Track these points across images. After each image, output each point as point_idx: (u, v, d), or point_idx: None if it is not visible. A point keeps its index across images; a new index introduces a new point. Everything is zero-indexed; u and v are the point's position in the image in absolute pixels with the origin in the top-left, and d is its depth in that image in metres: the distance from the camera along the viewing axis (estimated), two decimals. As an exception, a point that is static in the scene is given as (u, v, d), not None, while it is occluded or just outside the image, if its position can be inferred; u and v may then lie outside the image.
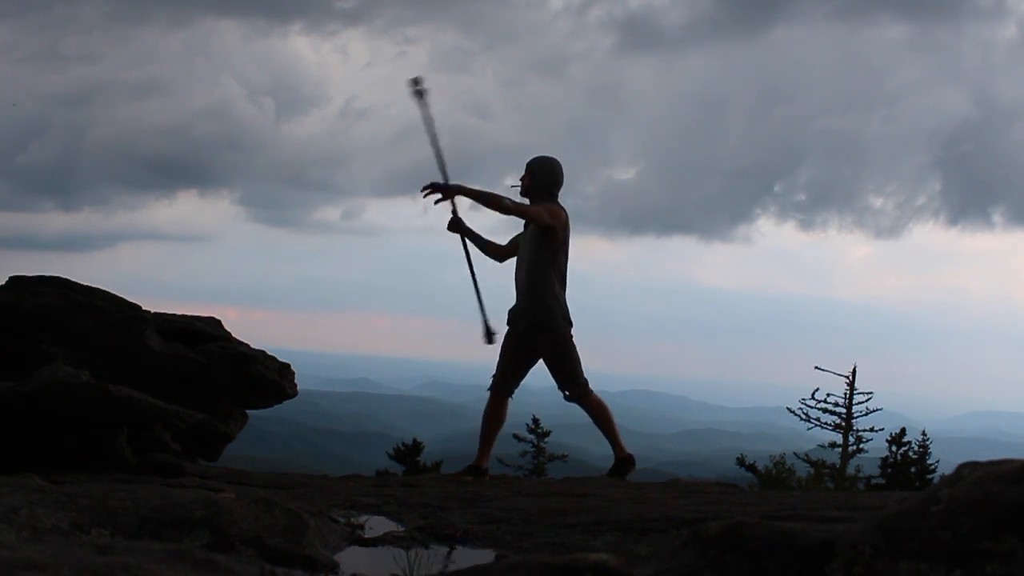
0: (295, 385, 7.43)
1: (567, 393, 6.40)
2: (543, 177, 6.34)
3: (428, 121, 6.32)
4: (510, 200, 6.15)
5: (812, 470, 15.75)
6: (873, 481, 15.65)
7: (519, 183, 6.39)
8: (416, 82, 6.32)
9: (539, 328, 6.26)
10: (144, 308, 7.05)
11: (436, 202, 6.29)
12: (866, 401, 16.25)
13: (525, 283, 6.28)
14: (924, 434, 16.28)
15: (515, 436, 19.21)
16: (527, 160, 6.43)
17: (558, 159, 6.43)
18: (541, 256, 6.23)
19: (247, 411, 7.33)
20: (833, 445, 16.20)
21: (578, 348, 6.42)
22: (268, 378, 7.13)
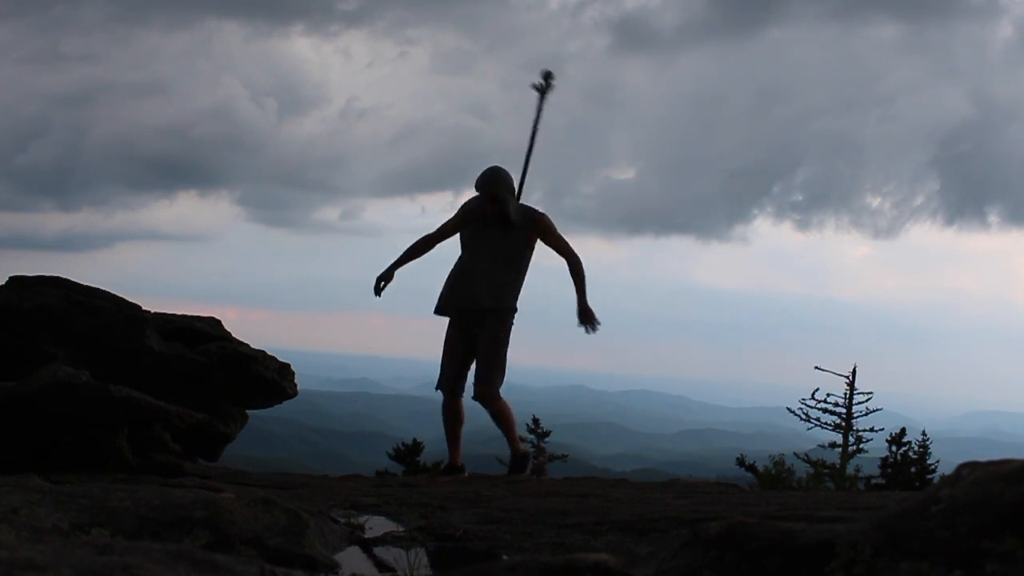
0: (295, 385, 7.44)
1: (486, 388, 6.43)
2: (511, 190, 6.46)
3: (537, 120, 6.53)
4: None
5: (812, 470, 15.74)
6: (873, 481, 15.63)
7: (506, 212, 6.39)
8: (548, 77, 6.53)
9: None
10: (144, 308, 7.05)
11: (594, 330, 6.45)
12: (866, 401, 16.23)
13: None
14: (924, 434, 16.27)
15: (515, 436, 19.19)
16: (499, 176, 6.40)
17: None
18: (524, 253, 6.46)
19: (247, 411, 7.34)
20: (833, 445, 16.18)
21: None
22: (268, 378, 7.13)
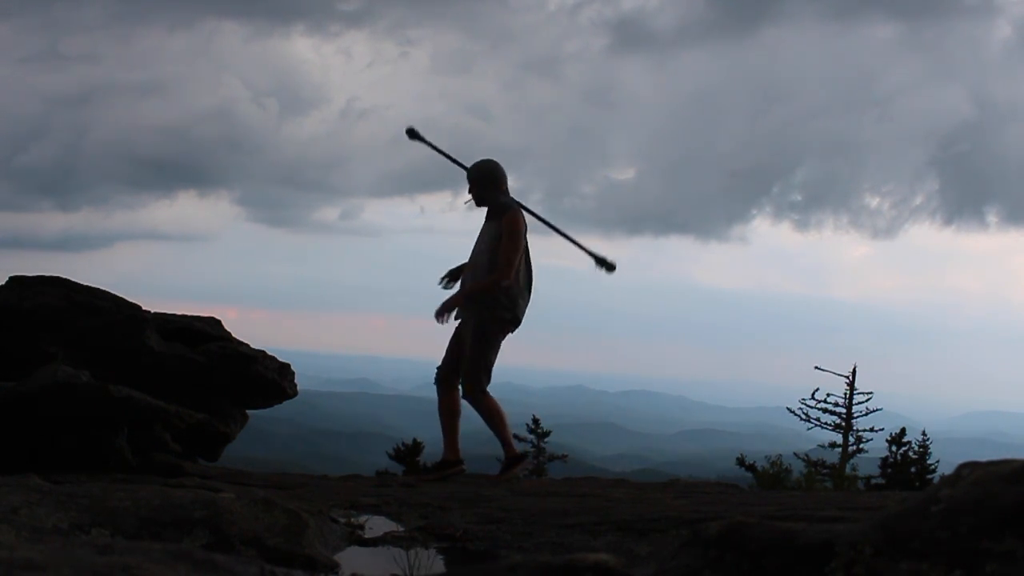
0: (295, 385, 7.43)
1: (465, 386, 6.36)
2: (485, 182, 6.36)
3: (439, 151, 6.62)
4: (496, 275, 6.13)
5: (808, 470, 15.72)
6: (873, 481, 15.63)
7: (469, 198, 6.43)
8: (411, 132, 6.62)
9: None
10: (144, 308, 7.05)
11: (443, 320, 6.31)
12: (866, 401, 16.24)
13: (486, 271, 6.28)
14: (924, 434, 16.27)
15: (515, 436, 19.18)
16: (475, 167, 6.42)
17: (493, 159, 6.51)
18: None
19: (247, 411, 7.33)
20: (833, 445, 16.18)
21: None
22: (268, 378, 7.13)
